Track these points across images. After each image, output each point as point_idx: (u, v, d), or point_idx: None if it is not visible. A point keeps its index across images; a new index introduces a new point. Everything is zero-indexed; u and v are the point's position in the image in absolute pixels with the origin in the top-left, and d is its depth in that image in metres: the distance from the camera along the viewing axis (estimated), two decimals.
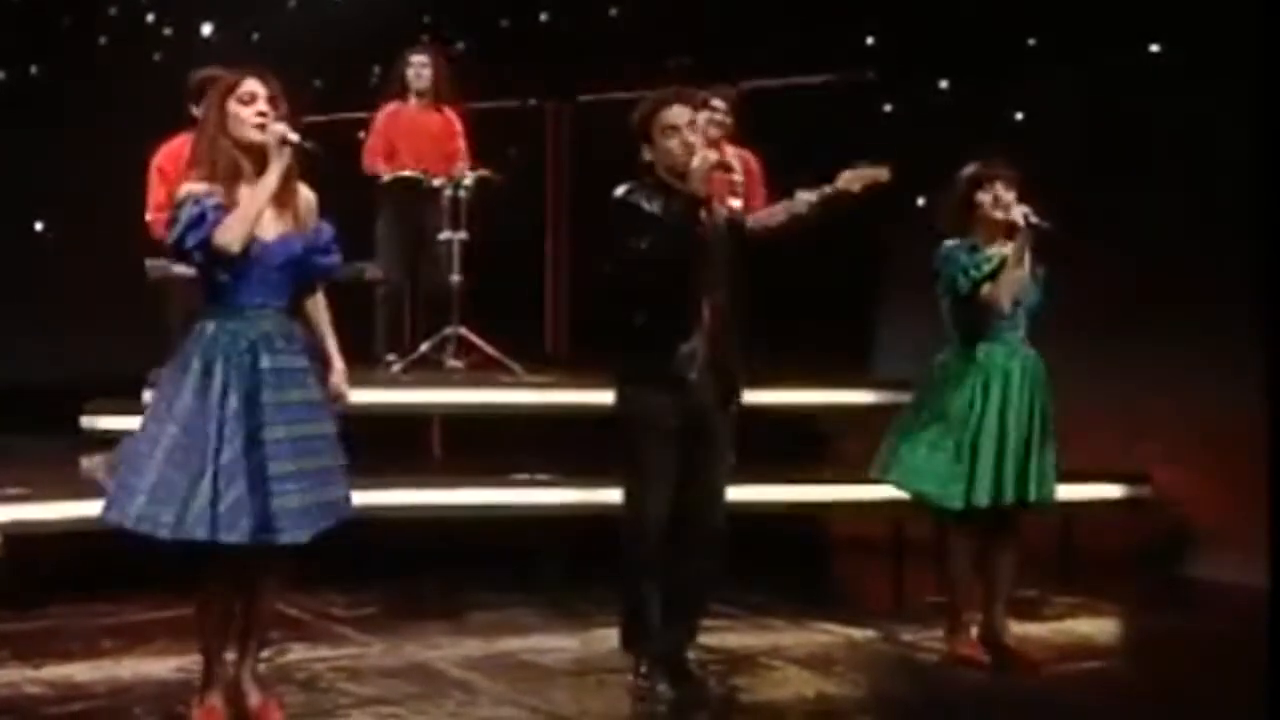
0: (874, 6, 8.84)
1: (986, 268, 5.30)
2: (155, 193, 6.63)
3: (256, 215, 4.21)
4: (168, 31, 10.14)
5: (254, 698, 4.44)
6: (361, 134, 8.34)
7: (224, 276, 4.25)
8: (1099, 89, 7.84)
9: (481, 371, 7.63)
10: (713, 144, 5.81)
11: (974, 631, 5.50)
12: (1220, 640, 5.94)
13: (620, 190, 4.84)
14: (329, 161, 4.44)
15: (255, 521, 4.14)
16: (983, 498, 5.30)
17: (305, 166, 4.39)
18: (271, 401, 4.20)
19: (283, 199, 4.31)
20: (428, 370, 7.65)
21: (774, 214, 6.01)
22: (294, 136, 4.27)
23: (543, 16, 10.08)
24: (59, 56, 9.87)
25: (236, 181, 4.26)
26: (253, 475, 4.14)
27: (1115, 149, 7.74)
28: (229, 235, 4.17)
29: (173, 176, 6.57)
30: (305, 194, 4.42)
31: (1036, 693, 5.25)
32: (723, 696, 5.00)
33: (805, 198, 5.66)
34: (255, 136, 4.26)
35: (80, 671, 5.12)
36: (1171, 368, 7.30)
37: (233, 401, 4.17)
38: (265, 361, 4.22)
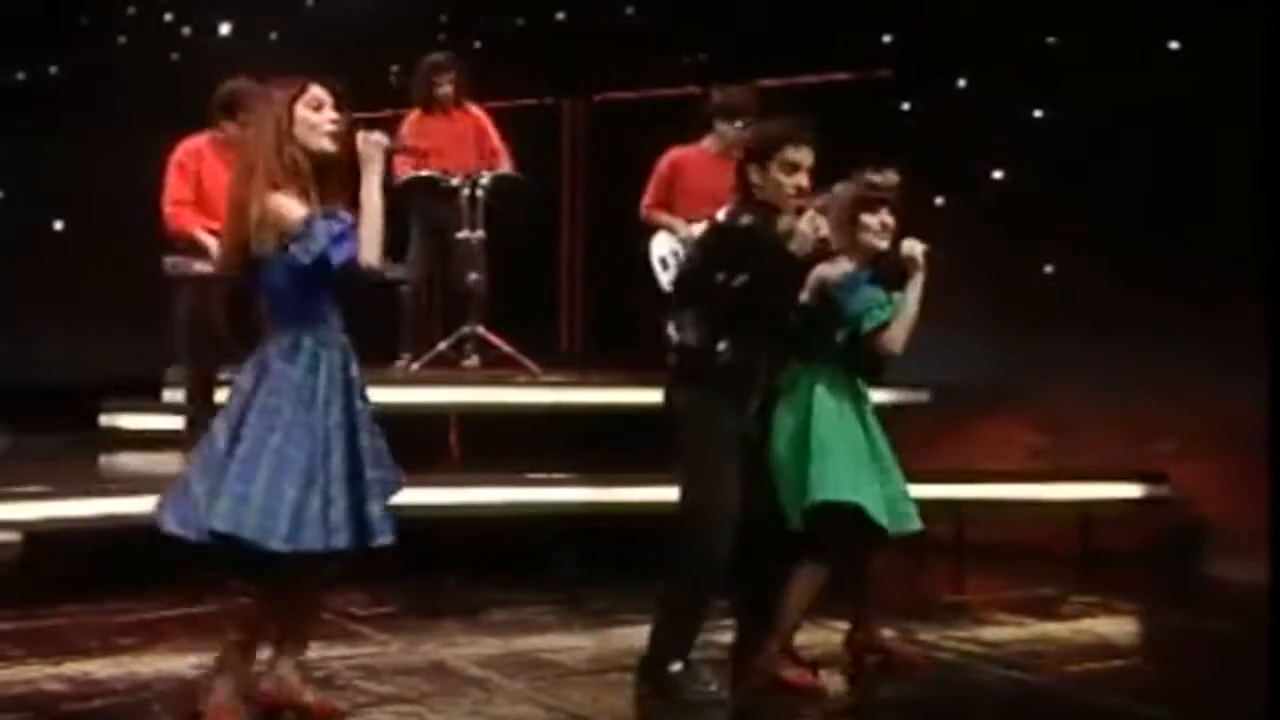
0: (891, 5, 8.84)
1: (889, 312, 5.07)
2: (174, 187, 6.63)
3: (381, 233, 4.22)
4: (186, 31, 10.17)
5: (308, 694, 4.52)
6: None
7: (312, 291, 4.22)
8: (1112, 87, 7.82)
9: (499, 370, 7.63)
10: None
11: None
12: (1238, 638, 5.92)
13: (745, 219, 4.78)
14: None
15: (356, 527, 4.24)
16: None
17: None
18: (361, 410, 4.29)
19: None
20: (445, 369, 7.66)
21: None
22: (387, 142, 4.27)
23: (559, 15, 10.09)
24: (77, 56, 9.91)
25: (301, 191, 4.18)
26: (353, 483, 4.23)
27: (1128, 148, 7.73)
28: (372, 254, 4.17)
29: (191, 171, 6.62)
30: None
31: (1054, 692, 5.24)
32: (736, 694, 4.99)
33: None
34: (328, 145, 4.21)
35: (100, 668, 5.13)
36: (1188, 366, 7.28)
37: (335, 413, 4.23)
38: (355, 371, 4.30)
